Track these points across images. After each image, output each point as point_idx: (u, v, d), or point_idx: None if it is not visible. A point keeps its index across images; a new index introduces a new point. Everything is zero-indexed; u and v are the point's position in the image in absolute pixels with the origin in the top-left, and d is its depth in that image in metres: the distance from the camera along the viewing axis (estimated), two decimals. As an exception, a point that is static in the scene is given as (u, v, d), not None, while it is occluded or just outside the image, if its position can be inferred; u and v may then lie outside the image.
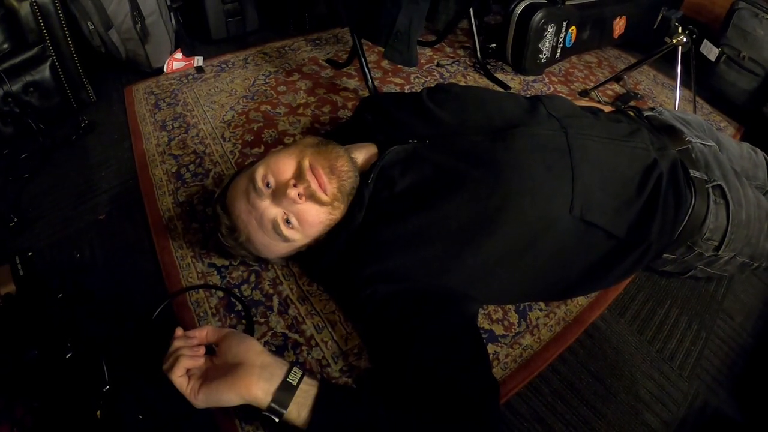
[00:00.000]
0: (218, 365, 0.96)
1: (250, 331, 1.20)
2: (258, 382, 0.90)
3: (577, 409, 1.15)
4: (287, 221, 1.12)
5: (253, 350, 0.95)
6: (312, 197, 1.11)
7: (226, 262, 1.36)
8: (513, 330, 1.27)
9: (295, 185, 1.08)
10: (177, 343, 0.97)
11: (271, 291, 1.30)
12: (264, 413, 0.90)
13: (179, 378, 0.92)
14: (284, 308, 1.27)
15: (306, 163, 1.13)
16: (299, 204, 1.10)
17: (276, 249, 1.19)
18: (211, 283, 1.31)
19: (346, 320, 1.26)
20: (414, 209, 1.11)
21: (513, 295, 1.27)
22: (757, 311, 1.47)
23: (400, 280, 1.08)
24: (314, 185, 1.11)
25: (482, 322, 1.27)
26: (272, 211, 1.12)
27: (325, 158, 1.15)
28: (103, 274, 1.34)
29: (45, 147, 1.72)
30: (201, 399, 0.91)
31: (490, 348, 1.22)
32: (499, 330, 1.27)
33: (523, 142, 1.14)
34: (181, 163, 1.70)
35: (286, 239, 1.14)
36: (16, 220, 1.42)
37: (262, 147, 1.79)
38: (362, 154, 1.27)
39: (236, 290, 1.30)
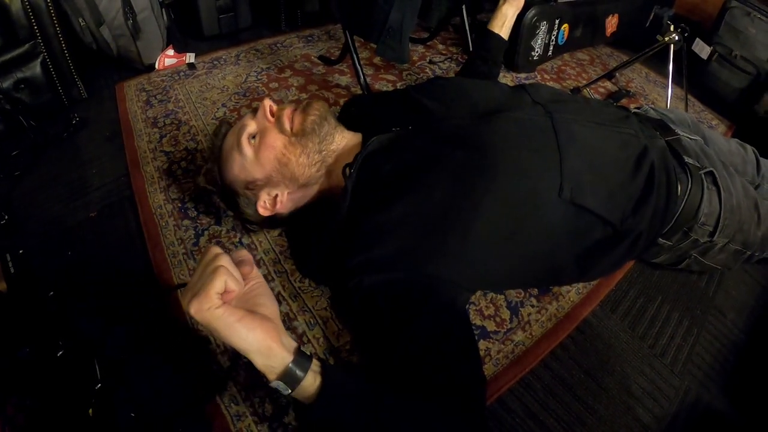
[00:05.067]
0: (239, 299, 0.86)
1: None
2: (282, 340, 0.84)
3: (569, 405, 1.15)
4: (252, 136, 1.24)
5: (278, 314, 0.89)
6: (278, 121, 1.24)
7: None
8: (505, 326, 1.28)
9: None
10: (223, 260, 0.82)
11: (263, 288, 1.30)
12: (277, 381, 0.83)
13: (216, 292, 0.77)
14: (276, 305, 1.27)
15: (294, 102, 1.22)
16: (268, 123, 1.23)
17: (232, 160, 1.26)
18: (203, 280, 1.30)
19: (338, 317, 1.25)
20: (398, 195, 1.09)
21: (502, 282, 1.27)
22: (748, 307, 1.48)
23: (386, 270, 1.06)
24: (285, 113, 1.24)
25: (474, 318, 1.27)
26: (247, 121, 1.26)
27: (308, 101, 1.28)
28: (95, 272, 1.34)
29: (36, 144, 1.71)
30: (218, 314, 0.77)
31: (482, 344, 1.22)
32: (490, 326, 1.27)
33: (507, 126, 1.14)
34: (172, 159, 1.69)
35: (240, 148, 1.23)
36: (6, 217, 1.41)
37: (255, 144, 1.78)
38: (346, 138, 1.29)
39: (228, 287, 1.29)
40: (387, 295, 1.04)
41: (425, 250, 1.06)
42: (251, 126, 1.24)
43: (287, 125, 1.22)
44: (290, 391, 0.84)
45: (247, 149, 1.22)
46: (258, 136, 1.23)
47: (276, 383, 0.83)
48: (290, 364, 0.83)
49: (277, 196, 1.26)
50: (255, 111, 1.27)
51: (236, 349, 0.81)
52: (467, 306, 1.27)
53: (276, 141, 1.21)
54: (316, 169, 1.25)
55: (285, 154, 1.21)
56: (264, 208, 1.27)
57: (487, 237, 1.07)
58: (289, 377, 0.83)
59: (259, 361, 0.82)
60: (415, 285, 1.05)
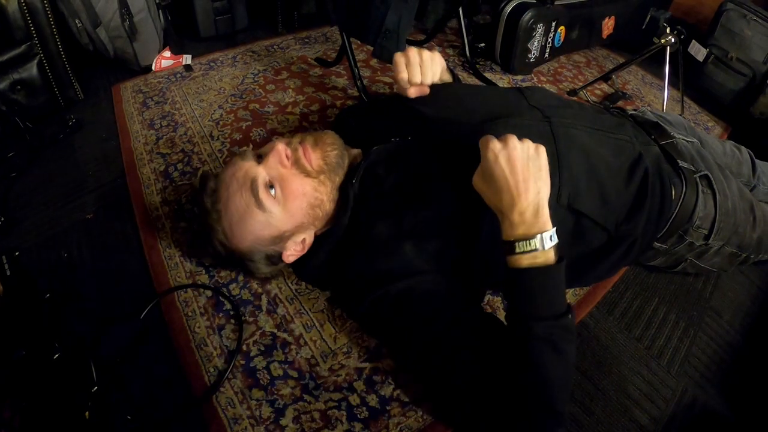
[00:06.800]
0: None
1: (239, 330, 1.20)
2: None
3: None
4: (270, 186, 1.10)
5: None
6: (298, 164, 1.13)
7: (212, 262, 1.35)
8: (502, 328, 1.28)
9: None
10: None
11: (259, 290, 1.30)
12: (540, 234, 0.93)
13: None
14: (273, 307, 1.27)
15: (296, 139, 1.16)
16: (285, 169, 1.11)
17: (252, 220, 1.12)
18: (199, 283, 1.30)
19: (335, 319, 1.25)
20: (406, 205, 1.10)
21: (498, 284, 1.26)
22: (744, 308, 1.48)
23: (408, 276, 1.05)
24: (301, 154, 1.13)
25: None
26: (255, 169, 1.11)
27: (312, 135, 1.19)
28: (91, 274, 1.34)
29: (32, 145, 1.71)
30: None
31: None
32: (488, 328, 1.27)
33: (506, 133, 1.12)
34: (169, 161, 1.69)
35: (261, 205, 1.09)
36: (2, 219, 1.40)
37: (251, 146, 1.78)
38: (352, 155, 1.27)
39: (225, 289, 1.29)
40: (416, 298, 1.04)
41: (439, 253, 1.08)
42: (262, 175, 1.11)
43: (309, 166, 1.14)
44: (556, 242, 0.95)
45: (272, 205, 1.10)
46: (277, 186, 1.10)
47: (553, 230, 0.96)
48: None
49: (305, 239, 1.19)
50: (258, 156, 1.15)
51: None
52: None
53: (305, 187, 1.13)
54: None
55: (317, 197, 1.15)
56: (292, 255, 1.20)
57: (488, 242, 1.07)
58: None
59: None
60: (441, 280, 1.06)
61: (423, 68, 1.24)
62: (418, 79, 1.24)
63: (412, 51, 1.24)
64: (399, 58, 1.23)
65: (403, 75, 1.23)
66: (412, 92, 1.26)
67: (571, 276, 1.19)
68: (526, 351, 0.89)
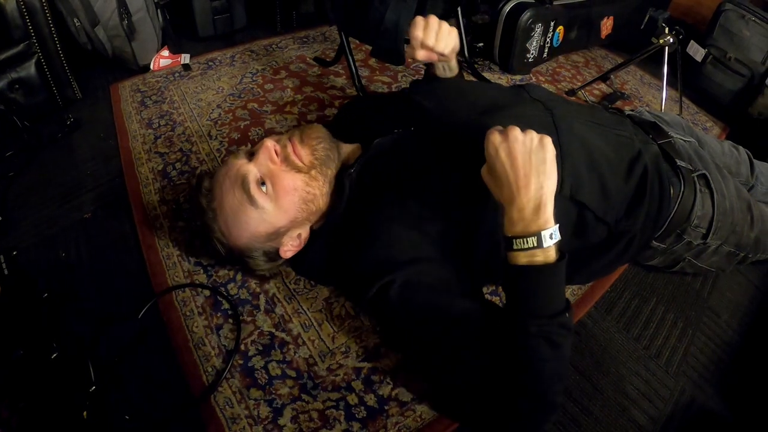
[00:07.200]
0: None
1: (237, 330, 1.20)
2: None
3: (564, 407, 1.15)
4: (262, 183, 1.11)
5: None
6: (288, 161, 1.14)
7: (213, 261, 1.35)
8: (501, 328, 1.27)
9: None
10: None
11: (257, 289, 1.30)
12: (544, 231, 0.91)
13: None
14: (271, 307, 1.26)
15: (286, 135, 1.18)
16: (275, 166, 1.12)
17: (246, 217, 1.13)
18: (197, 282, 1.30)
19: (333, 318, 1.25)
20: (409, 195, 1.10)
21: (497, 276, 1.25)
22: (742, 308, 1.48)
23: (412, 263, 1.03)
24: (290, 151, 1.14)
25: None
26: (245, 167, 1.12)
27: (300, 131, 1.20)
28: (89, 274, 1.33)
29: (30, 145, 1.71)
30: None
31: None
32: (486, 328, 1.27)
33: (509, 122, 1.07)
34: (167, 161, 1.69)
35: (254, 201, 1.10)
36: (0, 218, 1.40)
37: (249, 145, 1.78)
38: (347, 149, 1.27)
39: (223, 289, 1.29)
40: (426, 284, 1.02)
41: (444, 242, 1.07)
42: (253, 172, 1.11)
43: (299, 162, 1.15)
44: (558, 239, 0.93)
45: (264, 201, 1.11)
46: (269, 183, 1.11)
47: (555, 228, 0.93)
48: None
49: (300, 234, 1.20)
50: (250, 154, 1.16)
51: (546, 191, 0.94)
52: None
53: (296, 182, 1.13)
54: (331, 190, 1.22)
55: (309, 191, 1.16)
56: (289, 251, 1.21)
57: (490, 234, 1.06)
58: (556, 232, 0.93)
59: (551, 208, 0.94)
60: (444, 273, 1.05)
61: (439, 36, 1.24)
62: (431, 42, 1.23)
63: (434, 18, 1.24)
64: (420, 19, 1.23)
65: (419, 33, 1.22)
66: (421, 54, 1.26)
67: (569, 272, 1.18)
68: (521, 346, 0.89)
